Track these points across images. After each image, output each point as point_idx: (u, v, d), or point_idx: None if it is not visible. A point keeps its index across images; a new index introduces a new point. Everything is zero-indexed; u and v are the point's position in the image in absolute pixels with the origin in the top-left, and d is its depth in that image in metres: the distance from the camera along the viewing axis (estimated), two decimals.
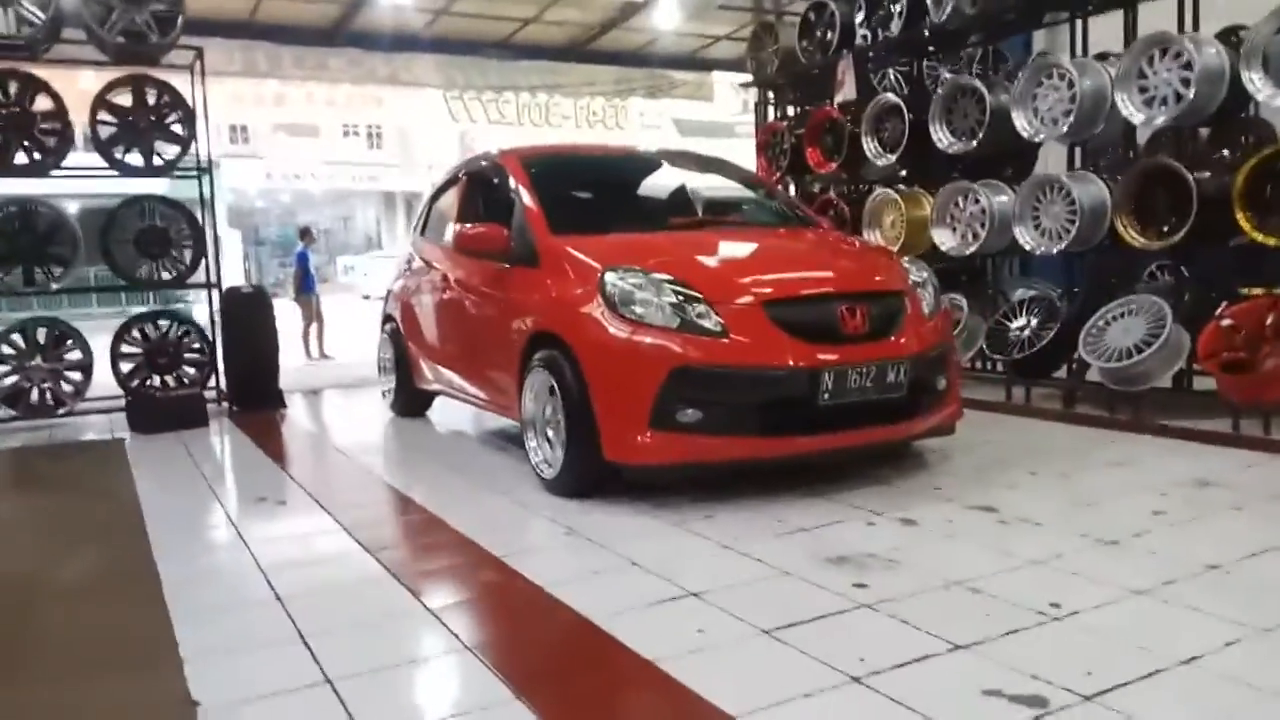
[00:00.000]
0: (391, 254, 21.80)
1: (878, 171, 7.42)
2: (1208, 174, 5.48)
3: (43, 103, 6.41)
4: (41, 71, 6.50)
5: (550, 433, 4.17)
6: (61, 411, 6.58)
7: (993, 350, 6.21)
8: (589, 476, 4.01)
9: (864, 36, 7.44)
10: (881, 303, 4.07)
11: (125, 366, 6.87)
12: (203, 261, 7.02)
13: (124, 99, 6.65)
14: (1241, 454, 4.53)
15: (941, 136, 6.66)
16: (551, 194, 4.79)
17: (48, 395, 6.57)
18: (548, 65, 17.03)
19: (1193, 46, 5.22)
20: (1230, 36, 5.65)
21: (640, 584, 2.99)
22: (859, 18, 7.44)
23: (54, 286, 6.65)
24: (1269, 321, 4.84)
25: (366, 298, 23.26)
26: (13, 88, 6.29)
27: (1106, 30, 6.30)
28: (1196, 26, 5.62)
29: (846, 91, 7.42)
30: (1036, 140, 6.17)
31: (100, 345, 6.82)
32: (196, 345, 7.10)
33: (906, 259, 4.82)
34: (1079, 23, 6.45)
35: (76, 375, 6.71)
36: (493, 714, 2.17)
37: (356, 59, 16.43)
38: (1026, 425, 5.48)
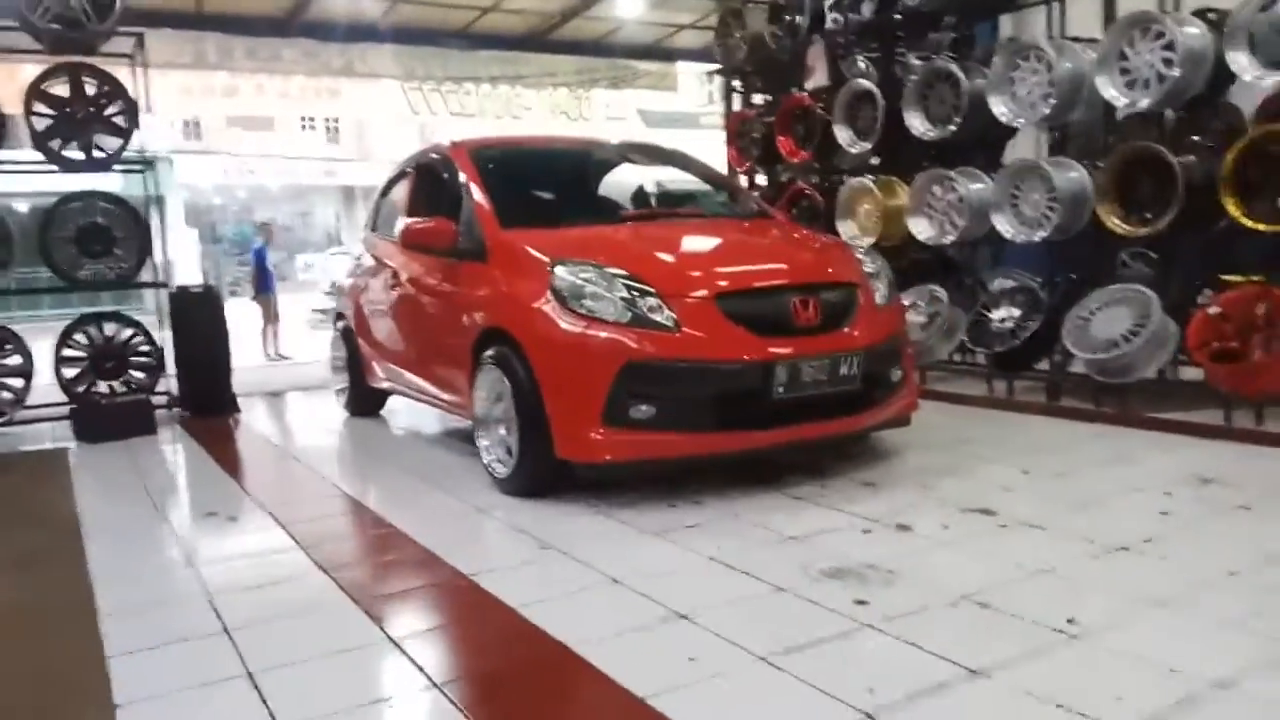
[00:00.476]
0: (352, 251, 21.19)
1: (851, 160, 7.23)
2: (1191, 158, 5.35)
3: None
4: None
5: (502, 431, 4.08)
6: None
7: (974, 343, 6.05)
8: (542, 475, 3.93)
9: (834, 20, 7.23)
10: (834, 294, 4.03)
11: (69, 372, 6.51)
12: (148, 260, 6.67)
13: (61, 89, 6.27)
14: (1237, 447, 4.39)
15: (917, 123, 6.47)
16: (501, 187, 4.70)
17: None
18: (508, 55, 16.63)
19: (1176, 26, 5.08)
20: (1205, 15, 5.52)
21: (623, 604, 2.77)
22: (829, 1, 7.23)
23: None
24: (1260, 310, 4.71)
25: (329, 294, 22.73)
26: None
27: (1083, 12, 6.15)
28: (1178, 6, 5.48)
29: (818, 78, 7.22)
30: (1015, 125, 6.01)
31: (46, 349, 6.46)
32: (145, 348, 6.75)
33: (860, 250, 4.72)
34: (1055, 5, 6.29)
35: (16, 382, 6.33)
36: None
37: (311, 50, 15.95)
38: (1011, 420, 5.33)
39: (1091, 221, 5.58)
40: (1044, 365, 5.92)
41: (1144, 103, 5.26)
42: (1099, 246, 5.84)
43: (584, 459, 3.75)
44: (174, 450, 5.72)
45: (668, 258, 4.11)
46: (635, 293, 3.74)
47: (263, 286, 12.19)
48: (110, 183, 6.82)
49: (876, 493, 3.83)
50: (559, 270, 3.87)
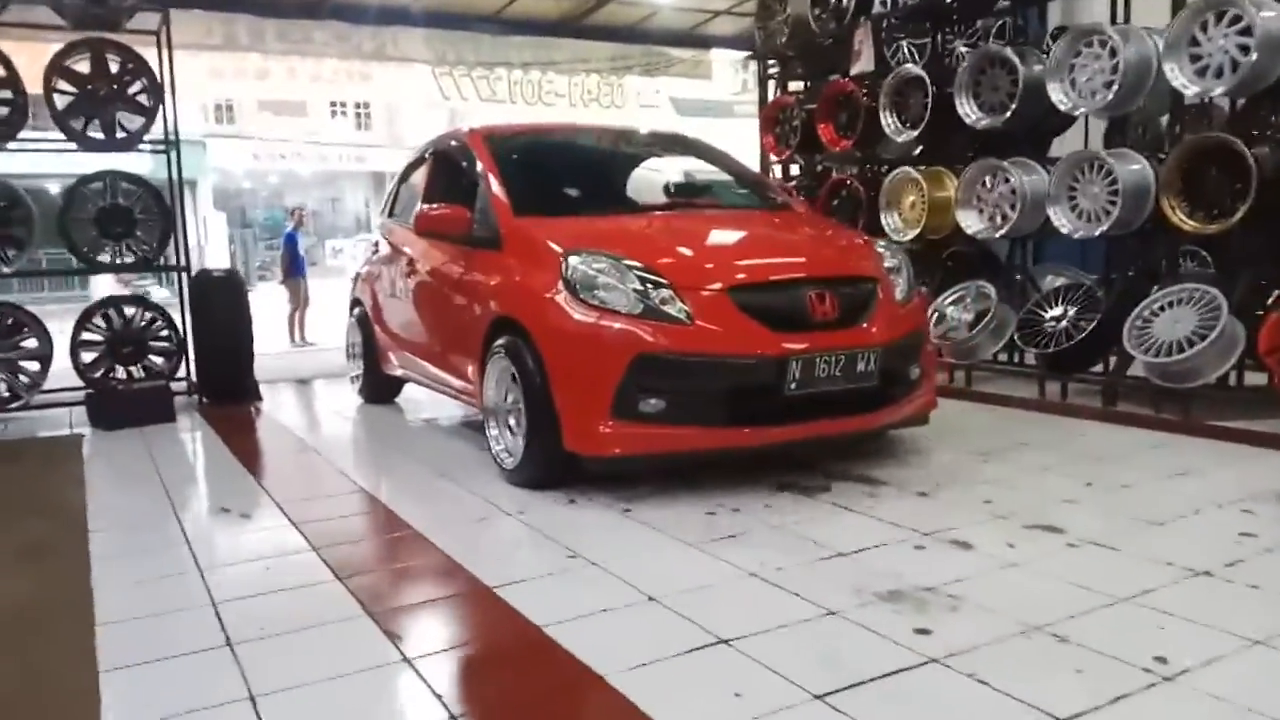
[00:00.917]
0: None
1: (896, 149, 6.93)
2: (1265, 150, 5.02)
3: None
4: None
5: (511, 422, 4.05)
6: (14, 406, 6.06)
7: (1026, 342, 5.74)
8: (549, 467, 3.88)
9: (882, 2, 6.93)
10: (852, 289, 3.95)
11: (87, 356, 6.37)
12: (171, 243, 6.52)
13: (82, 66, 6.11)
14: None
15: (969, 110, 6.16)
16: (518, 174, 4.65)
17: (1, 387, 6.06)
18: (541, 41, 16.35)
19: (1253, 9, 4.75)
20: None
21: (659, 626, 2.53)
22: None
23: (5, 270, 6.13)
24: None
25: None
26: None
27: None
28: None
29: (864, 62, 6.92)
30: (1075, 114, 5.70)
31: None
32: (165, 333, 6.60)
33: (881, 244, 4.57)
34: None
35: (33, 365, 6.20)
36: None
37: (342, 32, 15.71)
38: (1065, 425, 5.03)
39: (1152, 216, 5.28)
40: (1098, 367, 5.62)
41: (1217, 90, 4.94)
42: (1153, 243, 5.53)
43: (592, 452, 3.69)
44: (191, 439, 5.55)
45: (683, 249, 4.03)
46: (648, 284, 3.68)
47: (293, 271, 12.11)
48: (140, 164, 6.66)
49: (929, 503, 3.57)
50: (572, 260, 3.81)
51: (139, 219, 6.38)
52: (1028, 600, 2.61)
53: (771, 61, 8.53)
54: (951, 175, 6.40)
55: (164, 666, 2.41)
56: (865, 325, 3.87)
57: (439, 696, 2.19)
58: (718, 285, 3.71)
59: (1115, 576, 2.77)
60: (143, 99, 6.27)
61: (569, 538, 3.29)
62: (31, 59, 6.26)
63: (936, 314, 6.13)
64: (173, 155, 6.47)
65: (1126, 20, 5.80)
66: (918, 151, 6.91)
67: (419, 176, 5.76)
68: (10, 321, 6.14)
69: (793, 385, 3.64)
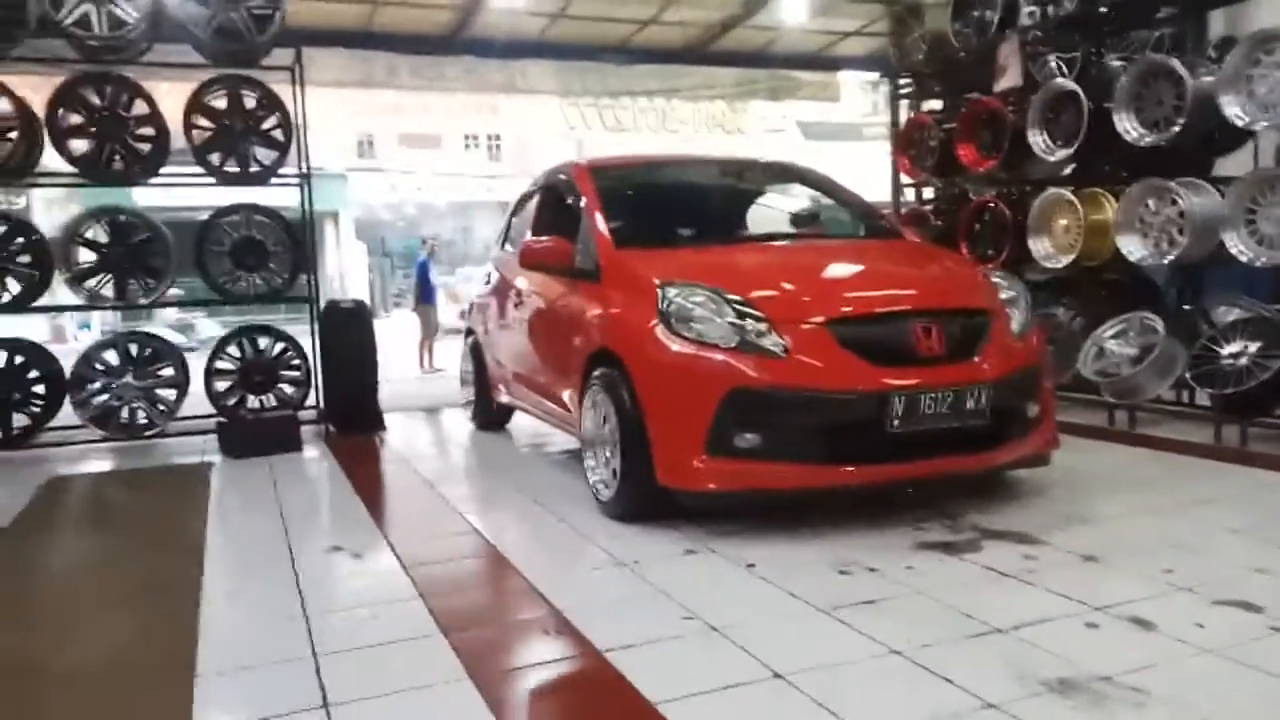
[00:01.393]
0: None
1: (1046, 169, 6.44)
2: None
3: (138, 108, 6.08)
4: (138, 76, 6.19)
5: (607, 454, 4.01)
6: (151, 433, 6.22)
7: (1200, 382, 5.16)
8: (643, 501, 3.82)
9: (1030, 14, 6.48)
10: (961, 321, 3.79)
11: (220, 385, 6.51)
12: (301, 275, 6.62)
13: (220, 102, 6.28)
14: None
15: (1129, 126, 5.64)
16: (619, 206, 4.67)
17: (138, 415, 6.25)
18: (665, 69, 16.35)
19: None
20: None
21: (791, 713, 2.23)
22: None
23: (142, 300, 6.33)
24: None
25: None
26: (107, 92, 5.97)
27: None
28: None
29: (1010, 78, 6.46)
30: (1254, 128, 5.13)
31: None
32: (295, 362, 6.69)
33: (996, 274, 4.30)
34: None
35: (169, 393, 6.37)
36: None
37: (472, 66, 16.05)
38: (1247, 476, 4.45)
39: None
40: None
41: None
42: None
43: (686, 486, 3.62)
44: (315, 470, 5.57)
45: (783, 281, 3.93)
46: (745, 317, 3.62)
47: (424, 298, 12.38)
48: (282, 198, 6.81)
49: (1098, 570, 3.14)
50: (668, 292, 3.78)
51: (272, 251, 6.50)
52: (1229, 699, 2.20)
53: (904, 81, 8.17)
54: (1109, 197, 5.87)
55: None
56: (976, 360, 3.70)
57: None
58: (818, 318, 3.62)
59: None
60: (277, 134, 6.39)
61: (686, 596, 3.02)
62: (177, 98, 6.46)
63: (1095, 348, 5.61)
64: (306, 189, 6.59)
65: None
66: (1066, 172, 6.41)
67: (530, 209, 5.86)
68: (149, 352, 6.33)
69: (896, 422, 3.49)
